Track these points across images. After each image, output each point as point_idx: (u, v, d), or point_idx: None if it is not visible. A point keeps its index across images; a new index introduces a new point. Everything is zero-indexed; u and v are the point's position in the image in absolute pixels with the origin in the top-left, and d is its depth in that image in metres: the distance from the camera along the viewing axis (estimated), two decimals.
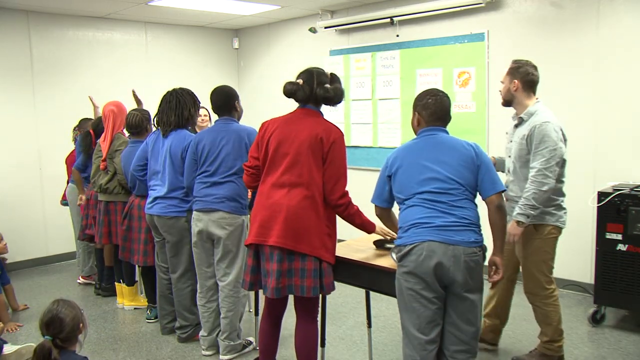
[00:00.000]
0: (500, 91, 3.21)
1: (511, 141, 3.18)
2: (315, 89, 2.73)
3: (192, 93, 3.70)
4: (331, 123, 2.77)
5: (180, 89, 3.68)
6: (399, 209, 2.51)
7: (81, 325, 2.20)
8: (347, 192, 2.74)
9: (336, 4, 5.83)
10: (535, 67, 3.15)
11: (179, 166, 3.52)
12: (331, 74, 2.85)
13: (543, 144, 2.93)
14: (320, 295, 2.88)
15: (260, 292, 3.03)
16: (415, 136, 2.60)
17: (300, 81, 2.76)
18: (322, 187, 2.68)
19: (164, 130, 3.61)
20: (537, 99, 3.13)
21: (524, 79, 3.08)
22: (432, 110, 2.51)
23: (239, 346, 3.49)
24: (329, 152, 2.67)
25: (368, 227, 2.86)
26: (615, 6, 4.22)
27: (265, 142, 2.77)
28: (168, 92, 3.65)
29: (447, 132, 2.53)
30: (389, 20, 5.51)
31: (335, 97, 2.75)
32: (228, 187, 3.28)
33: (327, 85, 2.75)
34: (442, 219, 2.32)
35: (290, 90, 2.76)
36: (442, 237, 2.30)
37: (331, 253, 2.75)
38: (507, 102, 3.18)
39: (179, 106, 3.59)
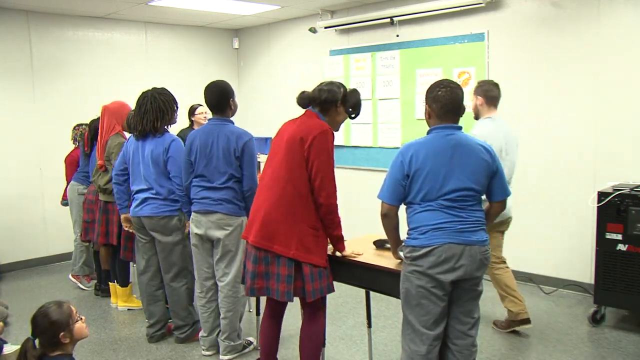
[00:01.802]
0: (472, 108, 3.69)
1: None
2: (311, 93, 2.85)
3: (170, 94, 3.64)
4: (320, 122, 2.76)
5: (159, 89, 3.63)
6: (410, 208, 2.48)
7: (62, 334, 2.14)
8: (334, 194, 2.71)
9: (336, 4, 5.83)
10: (496, 85, 3.69)
11: (163, 171, 3.51)
12: (352, 89, 2.91)
13: None
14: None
15: None
16: (428, 130, 2.52)
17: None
18: (306, 187, 2.67)
19: (139, 134, 3.56)
20: (490, 116, 3.62)
21: (486, 94, 3.64)
22: (443, 102, 2.44)
23: (239, 346, 3.49)
24: (310, 149, 2.66)
25: (340, 245, 2.83)
26: (615, 6, 4.22)
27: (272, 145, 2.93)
28: (143, 94, 3.59)
29: (461, 129, 2.48)
30: (389, 20, 5.51)
31: (317, 97, 2.79)
32: (225, 192, 3.28)
33: (325, 87, 2.81)
34: (461, 223, 2.37)
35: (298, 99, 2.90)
36: (461, 238, 2.36)
37: (317, 255, 2.71)
38: (476, 116, 3.71)
39: (157, 109, 3.54)
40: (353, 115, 2.90)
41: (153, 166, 3.54)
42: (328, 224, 2.74)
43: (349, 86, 2.90)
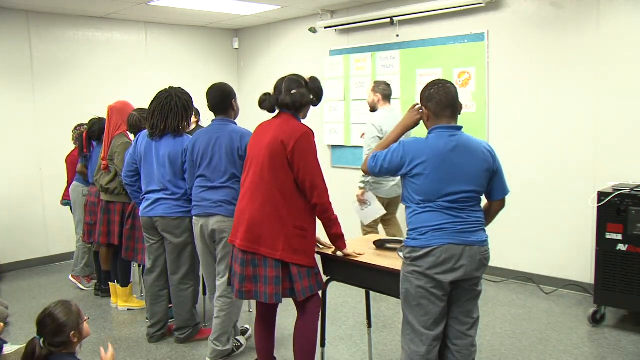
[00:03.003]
0: (368, 102, 4.70)
1: None
2: (280, 97, 2.78)
3: (189, 94, 3.63)
4: (299, 124, 2.76)
5: (179, 89, 3.61)
6: (409, 209, 2.47)
7: (72, 333, 2.17)
8: (326, 192, 2.73)
9: (336, 4, 5.83)
10: (387, 84, 4.65)
11: (179, 171, 3.50)
12: (311, 77, 2.87)
13: (367, 134, 4.51)
14: (321, 293, 2.88)
15: None
16: (429, 130, 2.48)
17: (272, 91, 2.83)
18: (290, 188, 2.69)
19: (159, 133, 3.52)
20: (384, 107, 4.59)
21: (382, 93, 4.60)
22: (438, 99, 2.44)
23: (227, 352, 3.43)
24: (294, 153, 2.66)
25: (340, 243, 2.82)
26: (615, 6, 4.22)
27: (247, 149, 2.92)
28: (166, 93, 3.55)
29: (461, 129, 2.47)
30: (389, 20, 5.51)
31: (291, 103, 2.76)
32: (224, 192, 3.25)
33: (294, 91, 2.76)
34: (461, 224, 2.37)
35: (259, 102, 2.85)
36: (461, 239, 2.35)
37: (304, 255, 2.73)
38: (372, 109, 4.66)
39: (182, 109, 3.53)
40: (316, 103, 2.90)
41: (170, 167, 3.50)
42: (325, 222, 2.77)
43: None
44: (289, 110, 2.80)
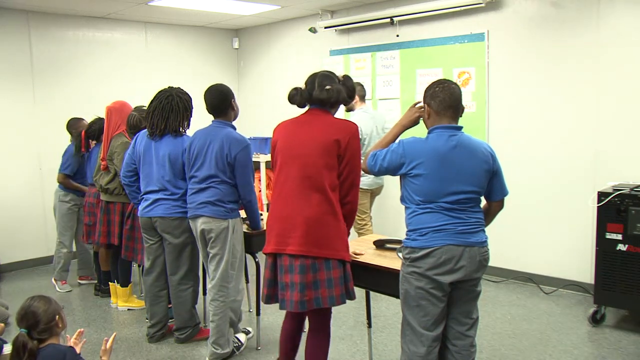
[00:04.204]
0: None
1: None
2: (314, 92, 2.68)
3: (189, 95, 3.61)
4: (347, 121, 2.73)
5: (179, 89, 3.60)
6: (408, 209, 2.46)
7: (57, 317, 2.21)
8: (358, 194, 2.72)
9: (336, 4, 5.83)
10: (361, 85, 4.80)
11: (179, 171, 3.49)
12: (344, 75, 2.83)
13: None
14: None
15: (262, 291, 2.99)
16: (429, 129, 2.48)
17: (303, 86, 2.76)
18: (337, 186, 2.61)
19: (160, 133, 3.50)
20: (362, 108, 4.86)
21: (359, 94, 4.73)
22: (441, 98, 2.43)
23: (227, 354, 3.41)
24: (347, 150, 2.60)
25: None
26: (615, 6, 4.22)
27: (274, 148, 2.77)
28: (167, 93, 3.53)
29: (461, 129, 2.46)
30: (389, 20, 5.51)
31: (327, 99, 2.67)
32: (209, 192, 3.25)
33: (328, 87, 2.67)
34: (461, 225, 2.37)
35: (289, 96, 2.77)
36: (461, 240, 2.35)
37: (349, 252, 2.71)
38: (349, 109, 4.87)
39: (184, 109, 3.52)
40: (348, 102, 2.90)
41: (170, 167, 3.49)
42: (350, 222, 2.72)
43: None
44: (323, 106, 2.71)
